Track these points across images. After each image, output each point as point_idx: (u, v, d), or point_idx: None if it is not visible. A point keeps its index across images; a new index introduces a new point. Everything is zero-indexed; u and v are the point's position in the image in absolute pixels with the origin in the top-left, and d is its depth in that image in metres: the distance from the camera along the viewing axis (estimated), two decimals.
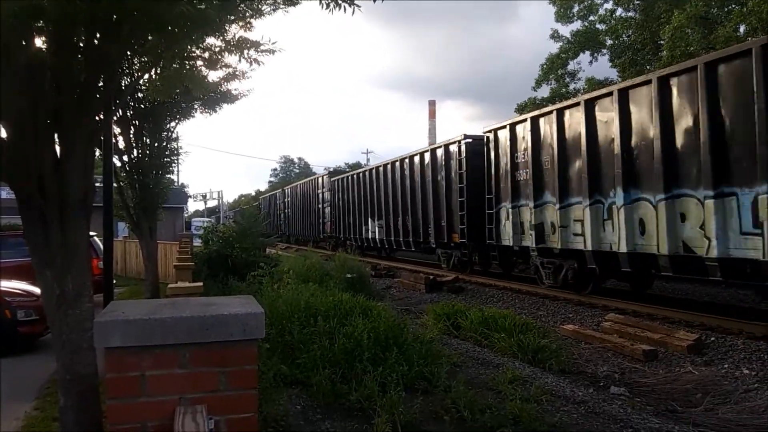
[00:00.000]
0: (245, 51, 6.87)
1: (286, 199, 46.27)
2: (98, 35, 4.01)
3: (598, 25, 29.71)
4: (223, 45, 6.70)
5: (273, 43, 7.19)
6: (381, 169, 25.52)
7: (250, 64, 6.66)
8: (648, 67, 25.68)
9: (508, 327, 9.24)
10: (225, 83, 12.13)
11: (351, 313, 7.93)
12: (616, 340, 9.59)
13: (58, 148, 4.19)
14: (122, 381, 2.13)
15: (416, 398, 5.77)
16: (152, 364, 2.14)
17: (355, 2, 4.84)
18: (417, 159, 21.65)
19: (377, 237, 25.89)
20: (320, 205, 35.16)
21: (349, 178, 29.90)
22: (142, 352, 2.13)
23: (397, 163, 23.55)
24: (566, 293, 13.50)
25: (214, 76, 11.37)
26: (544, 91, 31.50)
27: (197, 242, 23.89)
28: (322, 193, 34.84)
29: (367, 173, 27.43)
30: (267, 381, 5.80)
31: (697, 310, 11.02)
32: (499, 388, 6.47)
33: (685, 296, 13.67)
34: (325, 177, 35.23)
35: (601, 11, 29.67)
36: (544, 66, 31.01)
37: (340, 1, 4.71)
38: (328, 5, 4.75)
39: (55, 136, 4.18)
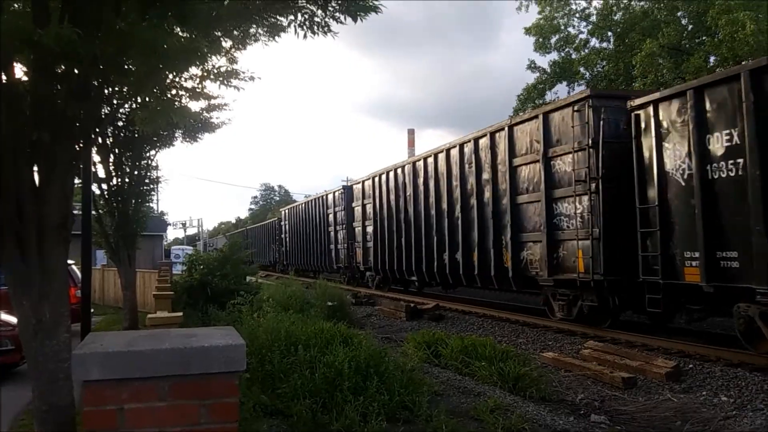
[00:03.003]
0: (225, 80, 6.94)
1: (369, 201, 23.97)
2: (79, 65, 4.02)
3: (573, 55, 30.29)
4: (203, 74, 6.76)
5: (252, 73, 7.30)
6: None
7: (227, 87, 6.75)
8: None
9: (488, 355, 9.21)
10: (206, 113, 12.19)
11: (332, 341, 7.87)
12: (596, 367, 9.61)
13: (36, 175, 4.19)
14: (100, 414, 2.10)
15: (397, 428, 5.75)
16: (131, 396, 2.12)
17: (332, 30, 4.95)
18: None
19: None
20: (507, 200, 14.38)
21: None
22: (120, 384, 2.11)
23: None
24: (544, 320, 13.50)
25: (195, 106, 11.44)
26: None
27: (176, 270, 23.72)
28: (550, 158, 12.91)
29: None
30: (247, 411, 5.74)
31: (675, 337, 11.09)
32: (480, 416, 6.45)
33: (663, 324, 13.72)
34: (576, 107, 12.08)
35: (577, 41, 30.34)
36: (521, 96, 31.44)
37: (315, 29, 4.80)
38: (305, 35, 4.84)
39: (34, 162, 4.18)
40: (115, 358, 2.10)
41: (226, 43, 5.94)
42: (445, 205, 17.56)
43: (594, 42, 29.78)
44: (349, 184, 27.43)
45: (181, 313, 6.77)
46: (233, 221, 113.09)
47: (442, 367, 9.60)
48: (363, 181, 24.97)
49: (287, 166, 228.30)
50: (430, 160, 18.68)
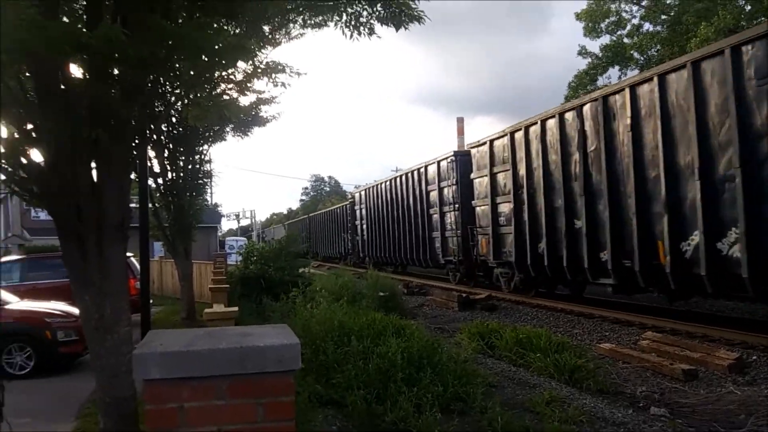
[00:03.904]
0: (273, 75, 7.03)
1: (505, 167, 16.74)
2: (130, 68, 4.09)
3: (625, 39, 29.52)
4: (252, 69, 6.86)
5: (297, 70, 7.41)
6: None
7: (275, 85, 6.84)
8: None
9: (543, 346, 9.10)
10: (255, 108, 12.36)
11: (384, 332, 7.90)
12: (655, 359, 9.39)
13: (94, 174, 4.29)
14: (161, 412, 2.15)
15: (452, 419, 5.72)
16: (191, 395, 2.15)
17: (375, 32, 4.97)
18: None
19: None
20: None
21: None
22: (180, 383, 2.14)
23: None
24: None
25: (245, 101, 11.65)
26: None
27: (231, 260, 24.18)
28: None
29: None
30: (302, 401, 5.80)
31: (737, 328, 10.74)
32: (536, 409, 6.38)
33: (724, 313, 13.33)
34: None
35: (629, 27, 29.56)
36: (572, 83, 30.78)
37: (361, 30, 4.83)
38: (351, 34, 4.86)
39: (92, 162, 4.28)
40: (174, 357, 2.13)
41: (268, 26, 6.02)
42: (688, 159, 10.32)
43: (647, 26, 29.00)
44: (466, 147, 20.05)
45: (236, 308, 6.89)
46: (285, 212, 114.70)
47: (496, 359, 9.53)
48: (491, 141, 17.39)
49: (337, 157, 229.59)
50: (645, 88, 11.30)
